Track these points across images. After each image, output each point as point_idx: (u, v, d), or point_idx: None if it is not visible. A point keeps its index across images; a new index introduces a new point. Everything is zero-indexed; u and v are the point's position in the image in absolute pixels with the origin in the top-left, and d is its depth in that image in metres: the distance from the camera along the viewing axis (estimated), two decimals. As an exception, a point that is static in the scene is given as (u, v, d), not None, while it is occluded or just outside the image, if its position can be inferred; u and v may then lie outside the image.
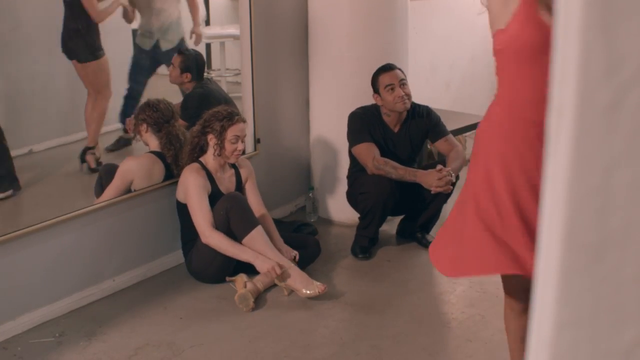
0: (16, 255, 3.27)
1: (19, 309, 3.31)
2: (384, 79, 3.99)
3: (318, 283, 3.56)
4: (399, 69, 4.06)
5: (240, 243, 3.62)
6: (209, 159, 3.72)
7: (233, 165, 3.86)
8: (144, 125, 3.87)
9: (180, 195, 3.72)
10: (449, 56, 6.02)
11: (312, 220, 4.52)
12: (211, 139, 3.68)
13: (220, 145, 3.66)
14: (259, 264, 3.55)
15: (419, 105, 4.21)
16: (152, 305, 3.55)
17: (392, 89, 3.97)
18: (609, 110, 0.57)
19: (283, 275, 3.56)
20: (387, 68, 4.04)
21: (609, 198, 0.58)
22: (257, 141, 4.34)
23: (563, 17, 0.57)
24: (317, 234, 4.22)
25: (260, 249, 3.59)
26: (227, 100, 4.39)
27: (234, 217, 3.60)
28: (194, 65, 4.34)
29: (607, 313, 0.59)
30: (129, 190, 3.76)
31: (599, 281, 0.59)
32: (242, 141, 3.72)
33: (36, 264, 3.34)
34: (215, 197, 3.67)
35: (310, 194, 4.59)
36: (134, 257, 3.78)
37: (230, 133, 3.65)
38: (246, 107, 4.30)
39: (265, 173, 4.42)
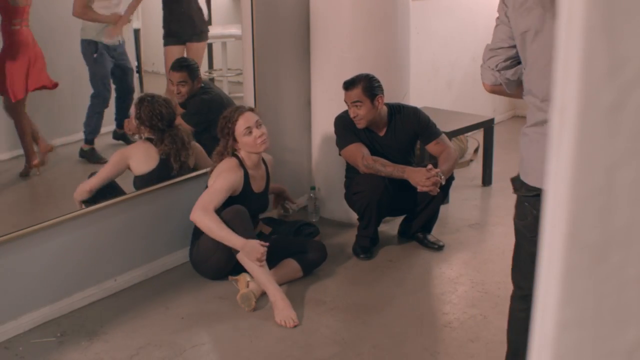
0: (17, 255, 3.27)
1: (21, 308, 3.31)
2: (346, 98, 3.99)
3: (291, 315, 3.38)
4: (359, 85, 3.92)
5: (235, 255, 3.56)
6: (244, 155, 3.72)
7: (264, 163, 3.87)
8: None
9: (211, 181, 3.67)
10: (451, 56, 6.02)
11: (314, 220, 4.52)
12: (228, 143, 3.67)
13: (236, 142, 3.67)
14: (247, 250, 3.46)
15: (405, 107, 4.17)
16: (154, 305, 3.56)
17: (349, 107, 3.98)
18: (612, 111, 0.57)
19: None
20: (344, 87, 3.98)
21: (612, 198, 0.58)
22: (259, 141, 4.34)
23: (566, 18, 0.57)
24: (320, 233, 4.21)
25: (251, 265, 3.51)
26: (229, 101, 4.38)
27: (231, 225, 3.54)
28: (195, 72, 4.30)
29: (610, 313, 0.60)
30: (129, 191, 3.76)
31: (602, 281, 0.59)
32: (258, 127, 3.67)
33: (37, 264, 3.35)
34: (245, 195, 3.66)
35: (312, 194, 4.59)
36: (135, 257, 3.78)
37: (238, 129, 3.64)
38: (248, 107, 4.30)
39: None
